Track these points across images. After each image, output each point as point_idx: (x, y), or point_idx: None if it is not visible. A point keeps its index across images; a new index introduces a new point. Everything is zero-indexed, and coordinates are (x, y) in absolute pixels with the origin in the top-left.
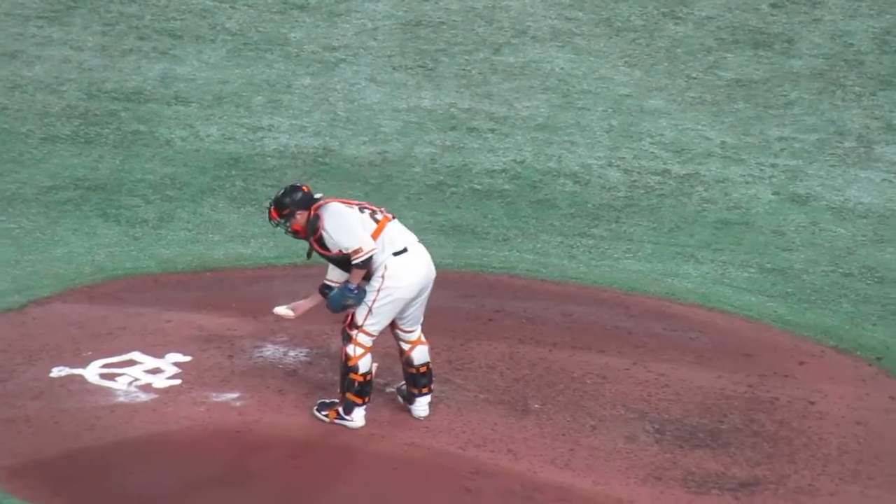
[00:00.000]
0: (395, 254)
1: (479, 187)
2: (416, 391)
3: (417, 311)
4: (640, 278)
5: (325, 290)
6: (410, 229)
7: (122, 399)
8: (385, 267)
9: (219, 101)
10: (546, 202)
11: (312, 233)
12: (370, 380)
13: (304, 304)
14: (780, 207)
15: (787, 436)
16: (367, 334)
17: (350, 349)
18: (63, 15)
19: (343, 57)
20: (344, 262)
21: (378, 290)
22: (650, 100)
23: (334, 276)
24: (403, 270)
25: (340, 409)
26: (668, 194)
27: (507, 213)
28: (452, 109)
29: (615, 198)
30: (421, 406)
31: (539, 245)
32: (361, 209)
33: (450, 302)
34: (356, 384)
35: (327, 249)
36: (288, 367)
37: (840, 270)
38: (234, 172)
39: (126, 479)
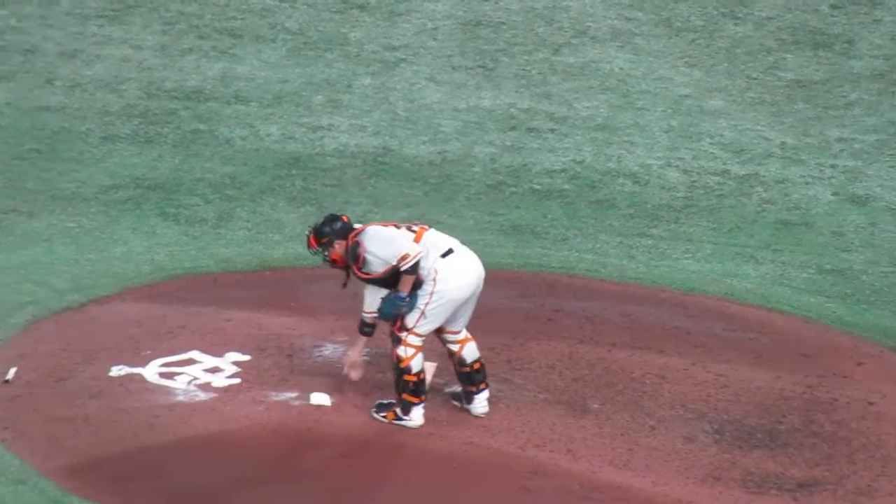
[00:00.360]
0: (443, 256)
1: (538, 187)
2: (473, 389)
3: (467, 313)
4: (699, 278)
5: (364, 328)
6: (460, 229)
7: (181, 398)
8: (435, 270)
9: (278, 101)
10: (605, 202)
11: (354, 260)
12: (424, 378)
13: (355, 354)
14: (840, 208)
15: (846, 436)
16: (417, 335)
17: (401, 351)
18: (123, 14)
19: (403, 56)
20: (389, 281)
21: (431, 294)
22: (710, 100)
23: (371, 306)
24: (454, 272)
25: (398, 410)
26: (727, 195)
27: (567, 213)
28: (512, 109)
29: (674, 198)
30: (480, 403)
31: (598, 245)
32: (397, 226)
33: (509, 302)
34: (411, 384)
35: (371, 273)
36: None
37: None
38: (293, 172)
39: (184, 477)
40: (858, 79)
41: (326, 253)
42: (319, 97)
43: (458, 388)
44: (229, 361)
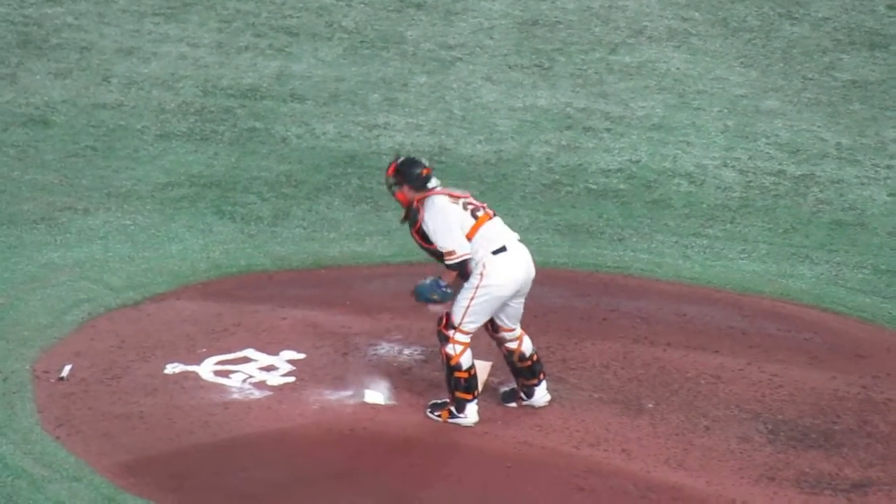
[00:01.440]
0: (494, 252)
1: (594, 187)
2: (534, 381)
3: (517, 309)
4: (754, 279)
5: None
6: (515, 228)
7: (236, 396)
8: (483, 265)
9: (335, 99)
10: (661, 202)
11: (412, 223)
12: (475, 374)
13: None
14: (895, 209)
15: None
16: (465, 332)
17: (449, 349)
18: (179, 12)
19: (459, 56)
20: (438, 256)
21: (476, 288)
22: (766, 100)
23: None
24: (501, 268)
25: (452, 409)
26: (783, 195)
27: (622, 212)
28: (568, 109)
29: (730, 198)
30: (541, 394)
31: (654, 245)
32: (465, 205)
33: (564, 301)
34: (462, 381)
35: (425, 241)
36: (402, 366)
37: None
38: (349, 170)
39: (239, 475)
40: None
41: (394, 188)
42: (375, 96)
43: (508, 388)
44: (284, 360)
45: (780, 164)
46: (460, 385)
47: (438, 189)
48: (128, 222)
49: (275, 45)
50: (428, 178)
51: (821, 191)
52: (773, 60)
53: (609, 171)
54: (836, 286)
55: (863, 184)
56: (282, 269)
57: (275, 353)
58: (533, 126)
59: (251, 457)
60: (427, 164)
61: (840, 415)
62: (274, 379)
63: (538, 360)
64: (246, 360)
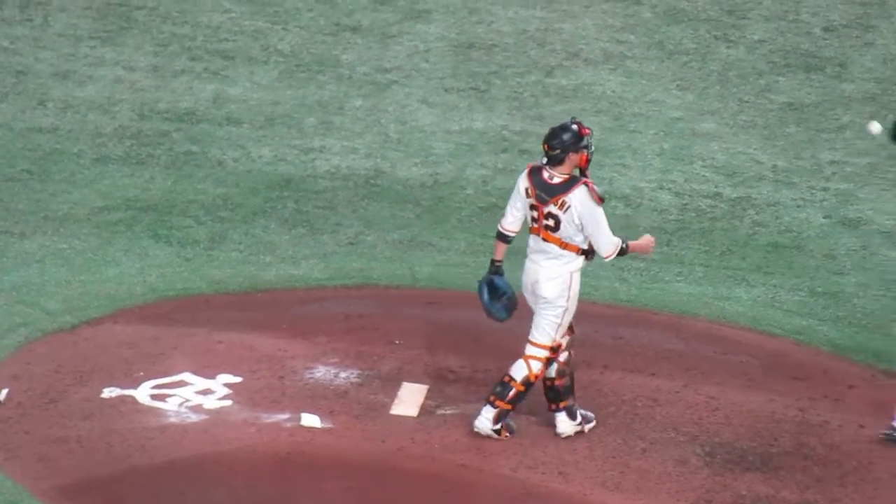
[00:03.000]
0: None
1: None
2: (552, 406)
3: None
4: (691, 301)
5: (502, 236)
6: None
7: (172, 420)
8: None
9: (271, 123)
10: None
11: (591, 208)
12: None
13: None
14: (832, 231)
15: (838, 459)
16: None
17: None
18: (115, 35)
19: (395, 79)
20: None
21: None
22: (702, 123)
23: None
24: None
25: (578, 413)
26: (719, 217)
27: None
28: (504, 132)
29: (666, 220)
30: (559, 422)
31: (590, 268)
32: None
33: (503, 324)
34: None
35: (566, 230)
36: (339, 389)
37: (891, 294)
38: (285, 193)
39: (176, 499)
40: (850, 102)
41: (563, 156)
42: (311, 119)
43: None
44: (221, 383)
45: (716, 187)
46: (567, 392)
47: (544, 169)
48: (64, 246)
49: (211, 68)
50: (545, 153)
51: (757, 213)
52: (709, 83)
53: None
54: (772, 308)
55: (799, 206)
56: (218, 292)
57: (212, 376)
58: (469, 149)
59: (188, 480)
60: (549, 140)
61: (777, 437)
62: (211, 402)
63: (556, 386)
64: (183, 383)
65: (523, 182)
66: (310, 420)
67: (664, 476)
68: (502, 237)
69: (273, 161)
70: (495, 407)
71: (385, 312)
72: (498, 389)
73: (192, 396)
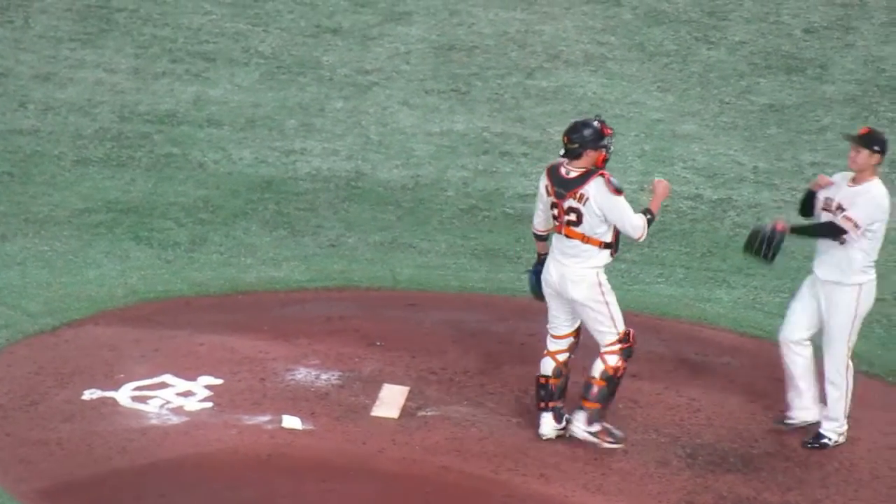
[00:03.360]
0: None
1: (511, 211)
2: (539, 405)
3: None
4: (672, 303)
5: (538, 236)
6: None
7: (154, 422)
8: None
9: (251, 124)
10: None
11: (609, 197)
12: (546, 383)
13: None
14: None
15: (819, 461)
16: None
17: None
18: (96, 37)
19: (376, 80)
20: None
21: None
22: (683, 125)
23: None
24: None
25: (563, 417)
26: (700, 219)
27: None
28: (485, 133)
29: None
30: (543, 422)
31: None
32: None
33: (483, 326)
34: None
35: (589, 225)
36: (320, 391)
37: None
38: (266, 195)
39: (157, 501)
40: (831, 103)
41: (581, 151)
42: (292, 121)
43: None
44: (202, 385)
45: (697, 189)
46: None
47: (561, 165)
48: (45, 248)
49: (192, 70)
50: (563, 146)
51: (738, 215)
52: (689, 84)
53: (526, 195)
54: (753, 310)
55: (780, 207)
56: (199, 294)
57: (192, 378)
58: (450, 151)
59: (169, 482)
60: (569, 133)
61: (758, 438)
62: (192, 404)
63: (549, 385)
64: (164, 385)
65: (543, 181)
66: (291, 422)
67: (646, 477)
68: (538, 237)
69: (254, 163)
70: (584, 409)
71: (366, 314)
72: (583, 391)
73: (173, 398)
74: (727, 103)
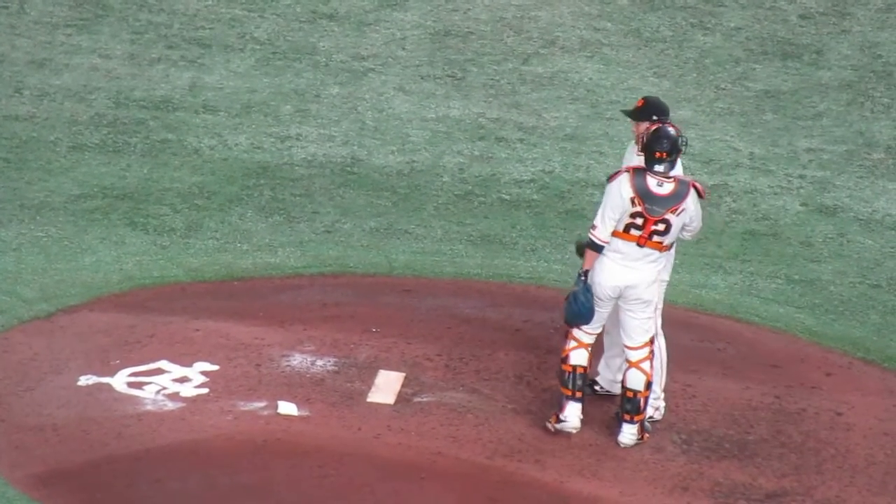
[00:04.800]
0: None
1: (507, 197)
2: (624, 416)
3: (623, 320)
4: (668, 289)
5: (598, 248)
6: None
7: (149, 408)
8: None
9: (247, 110)
10: (574, 212)
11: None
12: (580, 372)
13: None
14: (808, 219)
15: (815, 447)
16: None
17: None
18: (91, 23)
19: (372, 66)
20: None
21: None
22: (679, 110)
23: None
24: (600, 268)
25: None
26: None
27: (536, 223)
28: (481, 119)
29: None
30: (623, 432)
31: (567, 255)
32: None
33: (478, 312)
34: (564, 374)
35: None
36: (315, 377)
37: (868, 282)
38: (262, 181)
39: (153, 487)
40: (827, 89)
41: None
42: (288, 107)
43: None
44: (198, 371)
45: (693, 174)
46: (561, 378)
47: (650, 175)
48: (40, 234)
49: (187, 56)
50: (657, 161)
51: (734, 201)
52: (685, 70)
53: (522, 181)
54: (749, 296)
55: (776, 193)
56: (195, 280)
57: (188, 364)
58: (446, 136)
59: (165, 468)
60: (666, 147)
61: (754, 425)
62: (187, 390)
63: (633, 397)
64: (159, 371)
65: (625, 191)
66: (286, 408)
67: (641, 464)
68: (597, 248)
69: (249, 149)
70: (634, 423)
71: (361, 300)
72: (628, 407)
73: (168, 384)
74: (723, 89)
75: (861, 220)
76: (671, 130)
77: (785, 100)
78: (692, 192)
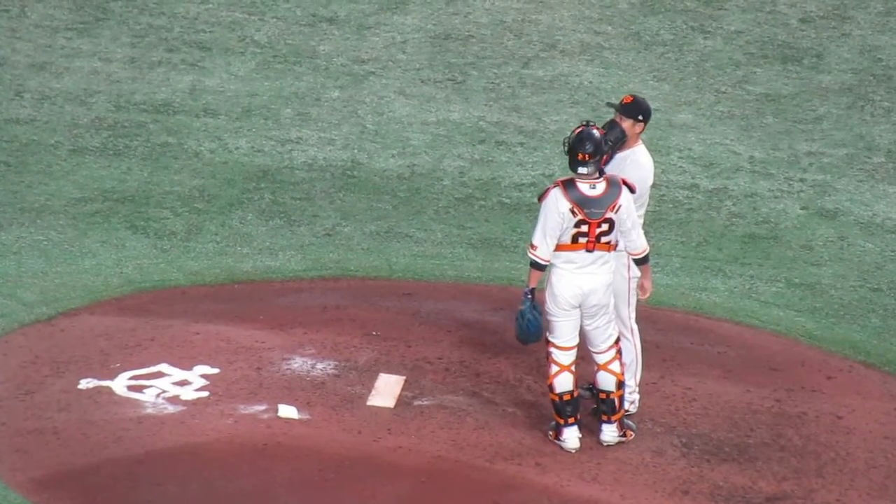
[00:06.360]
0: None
1: (507, 201)
2: (602, 417)
3: (588, 331)
4: (668, 292)
5: (541, 267)
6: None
7: (149, 411)
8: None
9: (247, 114)
10: None
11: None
12: (571, 398)
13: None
14: (809, 222)
15: (815, 450)
16: (557, 348)
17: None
18: (92, 27)
19: (372, 70)
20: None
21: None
22: (679, 114)
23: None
24: (556, 279)
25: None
26: (696, 208)
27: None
28: (481, 123)
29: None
30: (605, 431)
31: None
32: (580, 223)
33: (478, 315)
34: (556, 402)
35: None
36: (316, 380)
37: (868, 285)
38: (262, 185)
39: (153, 490)
40: (827, 93)
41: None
42: (288, 110)
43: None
44: (198, 374)
45: (693, 178)
46: (555, 406)
47: (580, 181)
48: (41, 238)
49: (187, 59)
50: (581, 163)
51: (734, 204)
52: (686, 74)
53: (522, 184)
54: (749, 300)
55: (776, 197)
56: (195, 283)
57: (188, 367)
58: (446, 140)
59: (165, 472)
60: (590, 149)
61: (754, 428)
62: (187, 394)
63: (607, 398)
64: (160, 374)
65: (563, 204)
66: (287, 411)
67: (641, 467)
68: (540, 267)
69: (250, 152)
70: (613, 422)
71: (362, 304)
72: (604, 407)
73: (169, 387)
74: (723, 93)
75: (861, 223)
76: (595, 132)
77: (785, 103)
78: (624, 189)
